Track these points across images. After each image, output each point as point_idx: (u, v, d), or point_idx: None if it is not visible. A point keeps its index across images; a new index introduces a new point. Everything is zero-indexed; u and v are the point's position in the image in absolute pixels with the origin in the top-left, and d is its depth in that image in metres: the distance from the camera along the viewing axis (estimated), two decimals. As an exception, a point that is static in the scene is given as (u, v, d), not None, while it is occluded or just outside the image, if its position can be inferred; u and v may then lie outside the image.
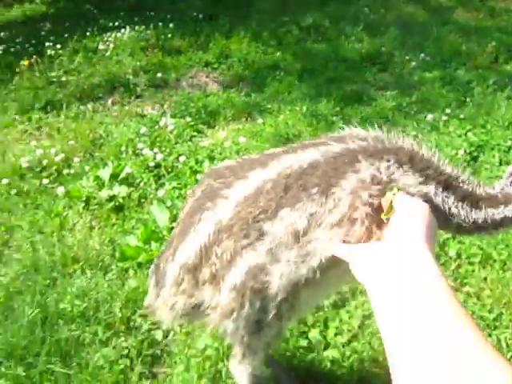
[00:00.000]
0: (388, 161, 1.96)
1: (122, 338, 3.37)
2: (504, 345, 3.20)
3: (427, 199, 1.91)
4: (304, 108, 6.33)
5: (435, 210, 1.86)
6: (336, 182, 1.92)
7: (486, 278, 3.67)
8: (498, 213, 2.06)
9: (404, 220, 1.50)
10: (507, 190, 2.09)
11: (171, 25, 9.52)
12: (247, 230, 1.98)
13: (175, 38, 9.11)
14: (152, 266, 2.45)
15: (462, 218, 2.04)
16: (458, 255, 3.89)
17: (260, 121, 6.11)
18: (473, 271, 3.74)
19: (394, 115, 6.23)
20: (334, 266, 1.93)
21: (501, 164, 5.01)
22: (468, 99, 6.47)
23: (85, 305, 3.50)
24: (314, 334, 3.29)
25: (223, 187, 2.11)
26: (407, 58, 8.00)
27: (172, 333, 3.46)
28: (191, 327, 3.44)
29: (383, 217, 1.62)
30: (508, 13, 10.16)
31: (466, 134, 5.55)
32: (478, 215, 2.05)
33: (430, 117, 5.99)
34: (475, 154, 5.22)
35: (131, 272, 3.87)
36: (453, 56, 8.00)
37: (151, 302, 2.36)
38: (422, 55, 7.98)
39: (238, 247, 1.99)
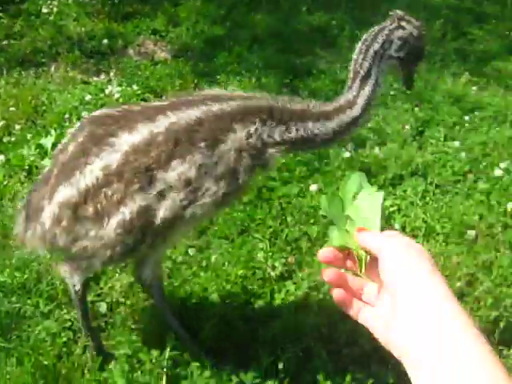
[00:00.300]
0: (254, 123, 2.38)
1: (65, 311, 3.29)
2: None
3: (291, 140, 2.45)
4: (253, 79, 6.27)
5: (303, 140, 2.47)
6: (220, 139, 2.33)
7: (429, 251, 3.73)
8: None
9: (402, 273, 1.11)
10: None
11: (118, -10, 9.23)
12: (140, 177, 2.31)
13: (122, 5, 8.82)
14: (23, 201, 2.79)
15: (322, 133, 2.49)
16: (403, 228, 3.95)
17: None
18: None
19: (343, 88, 6.21)
20: (213, 210, 2.47)
21: (446, 139, 5.10)
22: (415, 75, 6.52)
23: (25, 276, 3.40)
24: (260, 304, 3.30)
25: (108, 135, 2.38)
26: (357, 32, 7.98)
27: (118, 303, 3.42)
28: (135, 299, 3.40)
29: (362, 275, 1.24)
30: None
31: (412, 109, 5.63)
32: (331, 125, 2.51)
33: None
34: (421, 128, 5.31)
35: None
36: (402, 31, 8.04)
37: (21, 234, 2.64)
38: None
39: (130, 190, 2.32)
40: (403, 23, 2.52)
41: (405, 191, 4.35)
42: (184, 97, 2.63)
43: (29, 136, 5.04)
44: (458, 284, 3.46)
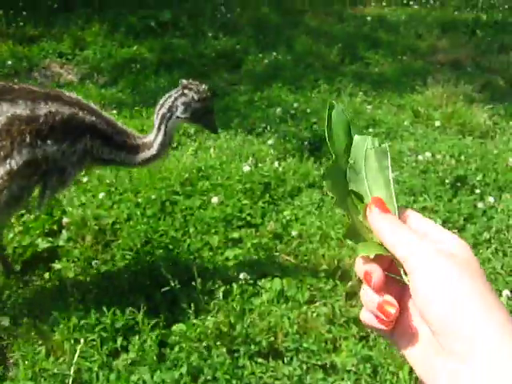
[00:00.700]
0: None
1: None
2: (338, 311, 3.51)
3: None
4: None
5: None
6: None
7: (323, 255, 3.99)
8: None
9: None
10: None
11: (24, 13, 9.18)
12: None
13: (27, 27, 8.81)
14: None
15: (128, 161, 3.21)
16: (300, 235, 4.18)
17: (114, 111, 6.12)
18: (313, 249, 4.05)
19: (246, 108, 6.50)
20: None
21: (340, 154, 5.41)
22: (314, 95, 6.90)
23: None
24: (163, 310, 3.42)
25: None
26: (260, 56, 8.35)
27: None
28: (40, 309, 3.44)
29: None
30: (354, 19, 10.89)
31: (311, 126, 5.95)
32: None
33: (278, 110, 6.33)
34: (318, 144, 5.61)
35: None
36: (303, 56, 8.46)
37: None
38: (275, 54, 8.37)
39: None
40: (186, 90, 3.04)
41: (302, 201, 4.60)
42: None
43: None
44: (350, 283, 3.71)
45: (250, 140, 5.64)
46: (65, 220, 4.08)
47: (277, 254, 4.00)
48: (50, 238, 3.98)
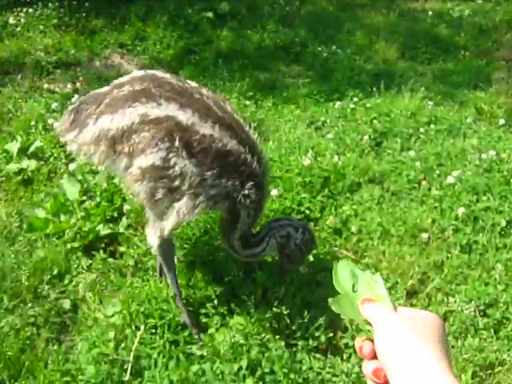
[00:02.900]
0: None
1: (29, 306, 3.35)
2: (397, 311, 3.43)
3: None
4: (218, 91, 6.42)
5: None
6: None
7: (384, 252, 3.91)
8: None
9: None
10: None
11: (86, 4, 9.32)
12: (164, 138, 2.79)
13: (90, 18, 8.93)
14: (72, 106, 3.18)
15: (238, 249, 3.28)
16: (359, 231, 4.11)
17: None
18: (372, 245, 3.98)
19: (305, 102, 6.44)
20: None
21: (402, 150, 5.31)
22: (374, 90, 6.77)
23: (-10, 273, 3.45)
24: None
25: (160, 95, 2.85)
26: (319, 49, 8.25)
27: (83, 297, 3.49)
28: (100, 295, 3.48)
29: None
30: (415, 14, 10.66)
31: (371, 121, 5.84)
32: None
33: (338, 104, 6.25)
34: (379, 139, 5.51)
35: (39, 243, 3.84)
36: (362, 50, 8.34)
37: (63, 131, 3.12)
38: (334, 47, 8.26)
39: (152, 143, 2.80)
40: (290, 228, 3.16)
41: (362, 197, 4.53)
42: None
43: (-6, 141, 5.08)
44: (411, 282, 3.63)
45: (309, 133, 5.58)
46: (125, 207, 4.11)
47: (336, 248, 3.94)
48: (111, 225, 4.02)
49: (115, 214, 4.15)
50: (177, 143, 2.78)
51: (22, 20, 8.54)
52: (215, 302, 3.30)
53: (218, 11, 9.53)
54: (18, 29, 8.36)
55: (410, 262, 3.79)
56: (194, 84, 3.08)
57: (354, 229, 4.10)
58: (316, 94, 6.69)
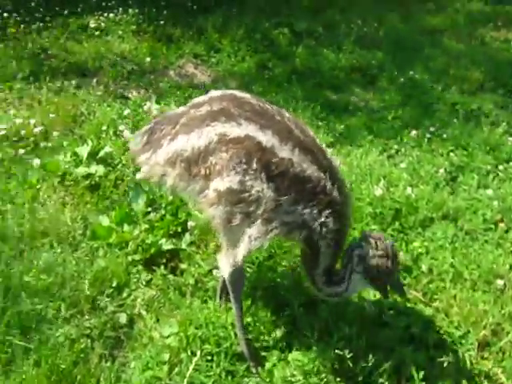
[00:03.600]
0: None
1: (86, 318, 3.29)
2: (468, 362, 3.20)
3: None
4: (290, 109, 6.31)
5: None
6: None
7: (455, 296, 3.68)
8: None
9: None
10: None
11: (165, 12, 9.42)
12: (242, 160, 2.68)
13: (168, 26, 9.01)
14: (146, 127, 3.13)
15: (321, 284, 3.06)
16: (430, 270, 3.90)
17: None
18: (443, 288, 3.75)
19: (379, 127, 6.25)
20: None
21: (479, 187, 5.05)
22: (452, 120, 6.51)
23: (50, 280, 3.41)
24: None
25: (240, 115, 2.76)
26: (396, 73, 8.03)
27: (138, 313, 3.41)
28: (157, 313, 3.39)
29: None
30: (497, 43, 10.30)
31: (447, 153, 5.60)
32: None
33: (413, 133, 6.02)
34: (455, 174, 5.26)
35: (101, 252, 3.79)
36: (440, 77, 8.06)
37: (137, 153, 3.08)
38: (411, 73, 8.02)
39: (230, 165, 2.70)
40: (363, 243, 2.89)
41: (434, 234, 4.30)
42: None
43: (65, 143, 5.11)
44: (483, 332, 3.39)
45: (382, 161, 5.38)
46: (190, 223, 4.02)
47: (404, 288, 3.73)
48: (174, 240, 3.94)
49: (179, 229, 4.07)
50: (255, 165, 2.68)
51: (102, 24, 8.70)
52: (276, 333, 3.17)
53: (296, 28, 9.47)
54: (98, 32, 8.51)
55: (483, 311, 3.54)
56: (274, 106, 2.97)
57: (424, 268, 3.89)
58: (390, 120, 6.49)
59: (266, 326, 3.25)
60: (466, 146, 5.75)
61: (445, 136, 6.01)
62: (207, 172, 2.79)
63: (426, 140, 5.91)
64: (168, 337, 3.15)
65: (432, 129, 6.18)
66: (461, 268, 3.91)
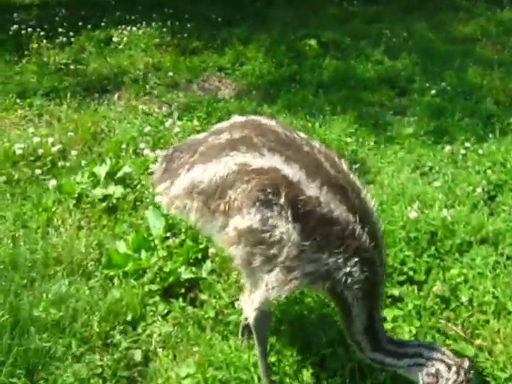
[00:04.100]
0: None
1: (97, 355, 3.07)
2: (515, 410, 2.90)
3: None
4: (316, 124, 6.06)
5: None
6: None
7: (499, 331, 3.36)
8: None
9: None
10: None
11: (189, 25, 9.29)
12: (266, 193, 2.38)
13: (191, 39, 8.88)
14: (165, 153, 2.91)
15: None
16: (470, 302, 3.59)
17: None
18: (485, 322, 3.44)
19: (410, 142, 5.94)
20: None
21: (520, 207, 4.72)
22: (488, 135, 6.18)
23: (61, 314, 3.18)
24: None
25: (263, 145, 2.48)
26: (427, 85, 7.71)
27: (154, 351, 3.18)
28: (174, 350, 3.16)
29: None
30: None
31: (484, 171, 5.26)
32: None
33: (448, 148, 5.70)
34: (493, 193, 4.93)
35: (116, 281, 3.58)
36: (474, 88, 7.71)
37: (156, 182, 2.84)
38: (443, 84, 7.69)
39: (251, 200, 2.40)
40: (438, 363, 2.53)
41: (473, 260, 3.99)
42: None
43: (83, 163, 4.92)
44: (534, 376, 3.08)
45: (414, 179, 5.09)
46: (211, 250, 3.79)
47: (443, 322, 3.43)
48: (194, 268, 3.71)
49: (199, 256, 3.84)
50: (281, 200, 2.37)
51: (125, 38, 8.58)
52: (302, 375, 2.90)
53: (322, 39, 9.23)
54: (121, 46, 8.41)
55: (531, 348, 3.23)
56: (303, 135, 2.69)
57: (464, 299, 3.58)
58: (423, 134, 6.17)
59: (291, 367, 2.98)
60: (504, 163, 5.40)
61: (481, 152, 5.67)
62: (226, 208, 2.51)
63: (460, 156, 5.59)
64: (185, 378, 2.91)
65: (467, 144, 5.85)
66: (504, 299, 3.59)
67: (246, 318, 2.92)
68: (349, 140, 5.78)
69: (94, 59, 7.88)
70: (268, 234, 2.41)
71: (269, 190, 2.39)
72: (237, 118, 2.80)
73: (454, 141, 5.99)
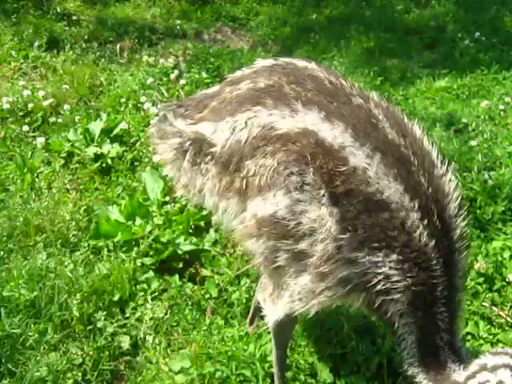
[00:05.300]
0: None
1: (77, 343, 2.60)
2: None
3: None
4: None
5: None
6: None
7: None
8: None
9: None
10: None
11: (200, -28, 8.62)
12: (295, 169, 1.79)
13: (203, -13, 8.23)
14: (167, 107, 2.32)
15: None
16: (517, 281, 3.06)
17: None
18: (537, 305, 2.93)
19: (442, 97, 5.34)
20: None
21: None
22: (529, 88, 5.56)
23: (35, 293, 2.71)
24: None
25: (297, 97, 1.88)
26: (459, 35, 7.04)
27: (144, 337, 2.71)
28: (168, 336, 2.68)
29: None
30: None
31: (527, 128, 4.68)
32: None
33: (485, 104, 5.09)
34: (538, 152, 4.36)
35: (104, 254, 3.09)
36: (511, 39, 7.03)
37: (154, 141, 2.34)
38: (477, 34, 7.01)
39: (277, 180, 1.81)
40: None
41: (519, 230, 3.47)
42: None
43: (77, 119, 4.41)
44: None
45: (448, 137, 4.51)
46: (214, 218, 3.27)
47: (486, 305, 2.90)
48: (195, 239, 3.21)
49: (202, 224, 3.34)
50: (311, 177, 1.77)
51: (133, -14, 7.94)
52: (320, 370, 2.42)
53: (344, -14, 8.53)
54: (127, -5, 7.79)
55: None
56: (356, 84, 2.05)
57: (511, 277, 3.05)
58: (456, 88, 5.55)
59: (306, 360, 2.49)
60: (549, 118, 4.82)
61: (522, 107, 5.08)
62: (243, 185, 1.92)
63: (499, 112, 4.99)
64: (178, 373, 2.44)
65: (506, 99, 5.24)
66: (558, 277, 3.07)
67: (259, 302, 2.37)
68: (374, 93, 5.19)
69: (98, 9, 7.29)
70: (296, 224, 1.81)
71: (297, 165, 1.79)
72: (263, 62, 2.18)
73: (492, 95, 5.38)
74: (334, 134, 1.78)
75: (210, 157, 2.04)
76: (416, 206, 1.76)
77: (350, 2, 7.98)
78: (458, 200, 1.85)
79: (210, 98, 2.17)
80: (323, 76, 2.00)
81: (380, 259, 1.76)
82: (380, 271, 1.77)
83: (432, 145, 1.94)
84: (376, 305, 1.83)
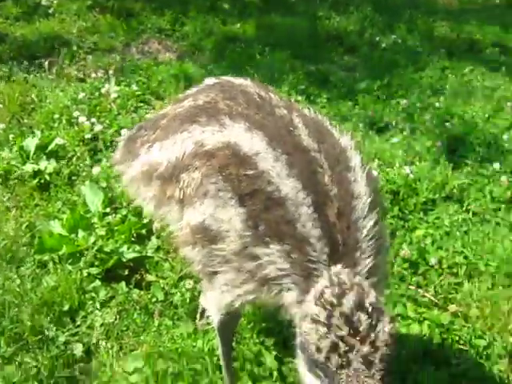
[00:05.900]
0: None
1: (31, 354, 2.68)
2: (497, 378, 2.67)
3: None
4: (265, 83, 5.68)
5: None
6: None
7: (472, 294, 3.13)
8: None
9: None
10: None
11: (124, -15, 8.68)
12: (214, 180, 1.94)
13: (127, 0, 8.28)
14: (128, 134, 2.68)
15: None
16: (440, 264, 3.35)
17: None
18: (457, 284, 3.21)
19: (364, 98, 5.63)
20: None
21: (482, 160, 4.49)
22: (444, 87, 5.94)
23: (-16, 309, 2.79)
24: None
25: (228, 112, 2.07)
26: (377, 39, 7.42)
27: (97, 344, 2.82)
28: (119, 340, 2.80)
29: None
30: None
31: (443, 123, 5.02)
32: None
33: (404, 103, 5.43)
34: (454, 147, 4.70)
35: (51, 266, 3.17)
36: (425, 40, 7.48)
37: (117, 161, 2.59)
38: (393, 37, 7.43)
39: (201, 190, 1.97)
40: None
41: (439, 218, 3.76)
42: None
43: (11, 137, 4.44)
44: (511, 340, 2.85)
45: (371, 136, 4.80)
46: (155, 224, 3.41)
47: (412, 288, 3.17)
48: (137, 246, 3.33)
49: (143, 232, 3.47)
50: (222, 184, 1.93)
51: (55, 1, 7.93)
52: (265, 358, 2.60)
53: (266, -5, 8.78)
54: (51, 10, 7.75)
55: (508, 311, 3.00)
56: (284, 97, 2.28)
57: (433, 261, 3.33)
58: (376, 89, 5.88)
59: (251, 351, 2.67)
60: (463, 115, 5.19)
61: (437, 105, 5.44)
62: (181, 195, 2.09)
63: (417, 110, 5.33)
64: (133, 373, 2.57)
65: (422, 96, 5.60)
66: (474, 259, 3.37)
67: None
68: (299, 98, 5.42)
69: (22, 26, 7.25)
70: (218, 228, 1.94)
71: (215, 178, 1.95)
72: (207, 81, 2.43)
73: (410, 95, 5.73)
74: (252, 143, 1.92)
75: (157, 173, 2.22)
76: (309, 201, 1.81)
77: (273, 11, 8.24)
78: (368, 203, 1.88)
79: (162, 117, 2.39)
80: (253, 91, 2.21)
81: (272, 251, 1.83)
82: (271, 260, 1.84)
83: (355, 150, 2.04)
84: (274, 294, 1.91)
